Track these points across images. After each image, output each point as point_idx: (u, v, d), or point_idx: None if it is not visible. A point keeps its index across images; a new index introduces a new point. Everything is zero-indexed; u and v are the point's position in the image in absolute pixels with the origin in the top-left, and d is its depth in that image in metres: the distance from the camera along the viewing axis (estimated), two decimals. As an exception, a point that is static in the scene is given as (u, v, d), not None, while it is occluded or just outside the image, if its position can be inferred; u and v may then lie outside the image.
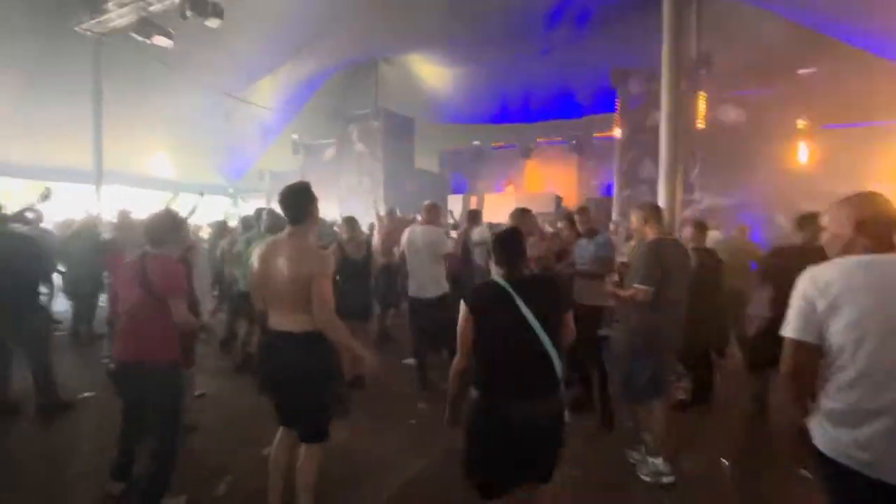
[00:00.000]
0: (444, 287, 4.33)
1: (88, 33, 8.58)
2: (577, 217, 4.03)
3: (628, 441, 3.16)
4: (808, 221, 3.38)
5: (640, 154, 10.28)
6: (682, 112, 5.35)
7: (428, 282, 4.30)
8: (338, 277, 3.70)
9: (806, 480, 2.58)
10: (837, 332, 1.39)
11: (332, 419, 2.36)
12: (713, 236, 4.99)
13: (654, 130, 5.87)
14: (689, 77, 9.19)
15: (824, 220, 1.64)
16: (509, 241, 1.89)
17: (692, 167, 9.80)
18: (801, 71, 9.30)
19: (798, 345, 1.47)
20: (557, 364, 1.75)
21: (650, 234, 2.93)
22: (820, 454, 1.47)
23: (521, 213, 3.72)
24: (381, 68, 15.10)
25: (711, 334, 3.98)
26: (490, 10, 10.87)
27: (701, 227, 4.19)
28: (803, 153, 9.29)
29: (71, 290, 5.66)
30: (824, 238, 1.64)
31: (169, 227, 2.57)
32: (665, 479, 2.83)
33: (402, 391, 4.32)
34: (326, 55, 13.28)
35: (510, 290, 1.76)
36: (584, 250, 3.78)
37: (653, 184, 6.75)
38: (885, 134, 8.72)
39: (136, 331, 2.44)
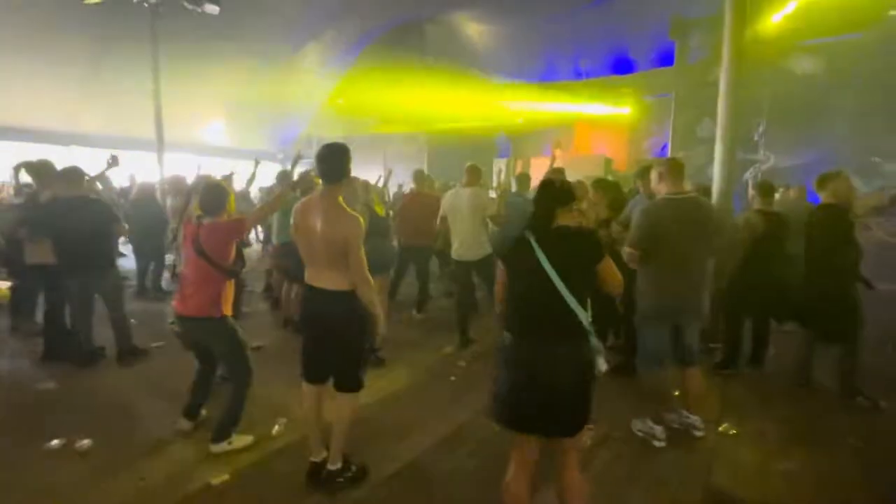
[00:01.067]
0: (487, 248, 4.36)
1: (145, 4, 8.88)
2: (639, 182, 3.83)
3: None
4: (828, 179, 3.40)
5: (699, 113, 9.62)
6: (743, 62, 4.88)
7: (472, 243, 4.35)
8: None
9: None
10: None
11: (365, 370, 2.51)
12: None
13: (715, 87, 5.43)
14: (756, 24, 8.40)
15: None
16: (537, 196, 1.97)
17: (757, 124, 9.09)
18: (893, 12, 8.24)
19: None
20: (580, 312, 1.78)
21: (663, 191, 2.82)
22: None
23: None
24: (425, 28, 14.76)
25: (768, 302, 3.80)
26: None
27: (764, 188, 3.96)
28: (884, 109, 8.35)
29: (136, 250, 6.34)
30: None
31: (219, 197, 2.74)
32: (657, 443, 2.87)
33: (442, 351, 4.43)
34: (371, 16, 13.14)
35: (532, 241, 1.81)
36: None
37: (711, 143, 6.31)
38: None
39: (191, 289, 2.70)
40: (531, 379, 1.79)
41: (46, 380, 3.67)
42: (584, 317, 1.78)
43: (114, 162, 4.26)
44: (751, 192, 4.09)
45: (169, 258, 6.64)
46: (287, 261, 4.77)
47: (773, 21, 8.64)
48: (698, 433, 2.93)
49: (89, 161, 5.99)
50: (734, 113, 4.94)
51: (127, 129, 11.97)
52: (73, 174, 3.89)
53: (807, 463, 2.74)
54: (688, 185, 3.05)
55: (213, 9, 8.28)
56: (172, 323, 2.88)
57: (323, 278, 2.34)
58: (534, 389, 1.78)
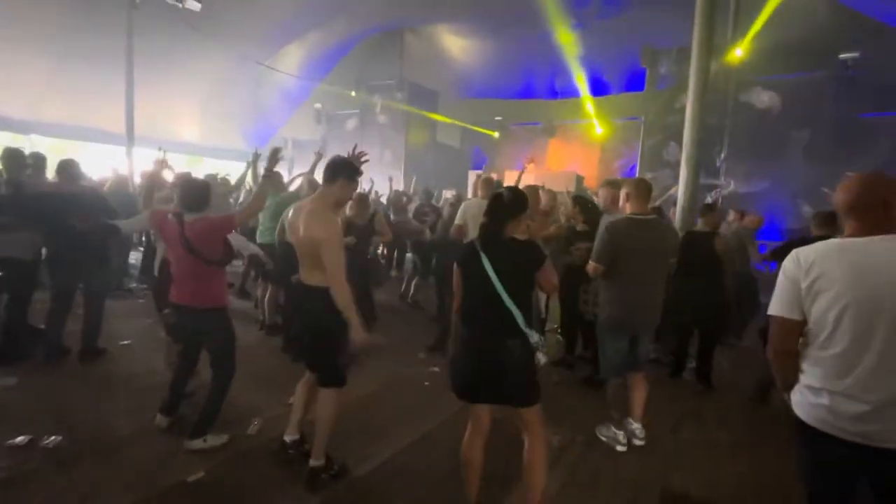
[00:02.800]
0: None
1: (123, -5, 8.71)
2: (600, 192, 3.93)
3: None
4: (707, 210, 4.29)
5: (666, 137, 10.12)
6: (707, 94, 5.24)
7: None
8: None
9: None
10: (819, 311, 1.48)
11: (346, 368, 2.58)
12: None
13: (682, 113, 5.80)
14: (720, 58, 8.95)
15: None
16: (488, 209, 2.16)
17: (719, 152, 9.63)
18: (842, 55, 8.94)
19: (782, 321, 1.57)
20: (517, 314, 2.02)
21: (627, 210, 3.02)
22: (799, 421, 1.58)
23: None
24: (406, 38, 14.94)
25: (699, 315, 4.11)
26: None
27: (704, 210, 4.41)
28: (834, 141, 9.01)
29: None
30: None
31: (202, 194, 2.78)
32: (619, 447, 3.05)
33: (416, 356, 4.51)
34: (354, 21, 13.21)
35: (478, 249, 2.08)
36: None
37: (677, 167, 6.69)
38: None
39: (187, 281, 2.73)
40: (480, 360, 2.10)
41: (5, 377, 3.54)
42: (520, 318, 2.02)
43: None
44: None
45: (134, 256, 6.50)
46: (268, 262, 4.79)
47: (736, 56, 9.23)
48: (638, 441, 3.09)
49: (50, 151, 5.81)
50: (698, 139, 5.30)
51: (94, 121, 11.59)
52: (72, 167, 3.82)
53: (755, 466, 2.96)
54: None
55: (194, 5, 8.20)
56: (167, 312, 2.89)
57: (309, 275, 2.46)
58: (481, 367, 2.09)
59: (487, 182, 4.62)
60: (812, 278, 1.47)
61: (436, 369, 4.21)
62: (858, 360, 1.43)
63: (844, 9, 9.82)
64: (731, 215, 5.96)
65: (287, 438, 2.70)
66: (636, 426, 3.12)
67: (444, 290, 4.66)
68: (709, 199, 6.65)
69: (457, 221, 4.63)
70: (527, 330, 2.03)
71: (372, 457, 2.81)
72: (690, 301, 3.99)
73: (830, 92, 9.03)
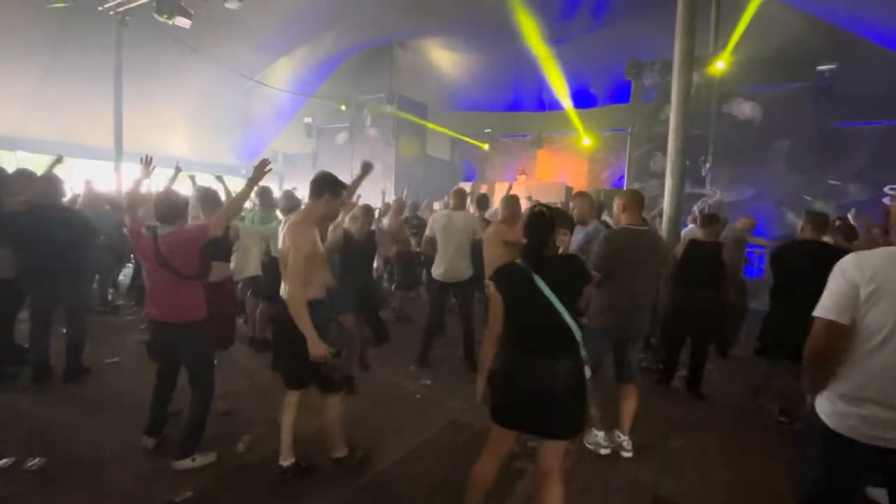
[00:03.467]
0: (470, 271, 4.52)
1: (111, 13, 8.72)
2: (571, 203, 4.01)
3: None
4: (709, 221, 4.31)
5: (652, 147, 10.29)
6: (689, 104, 5.35)
7: (460, 265, 4.45)
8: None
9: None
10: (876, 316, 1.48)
11: (339, 372, 2.62)
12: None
13: (667, 124, 5.91)
14: (702, 70, 9.17)
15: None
16: (529, 227, 2.04)
17: (704, 161, 9.80)
18: (820, 67, 9.18)
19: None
20: (575, 329, 1.96)
21: (623, 221, 3.08)
22: (824, 428, 1.59)
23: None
24: (395, 52, 15.09)
25: (698, 325, 4.11)
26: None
27: (703, 219, 4.42)
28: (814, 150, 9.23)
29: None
30: None
31: (174, 207, 2.73)
32: (602, 451, 3.09)
33: (408, 369, 4.50)
34: (343, 37, 13.31)
35: (527, 268, 1.97)
36: (573, 239, 3.82)
37: (663, 177, 6.79)
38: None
39: (161, 296, 2.70)
40: (537, 391, 1.95)
41: (-11, 396, 3.48)
42: (578, 333, 1.97)
43: (59, 159, 4.13)
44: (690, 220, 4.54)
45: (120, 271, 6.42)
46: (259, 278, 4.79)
47: (718, 68, 9.44)
48: (626, 454, 3.09)
49: (37, 167, 5.75)
50: (682, 150, 5.40)
51: (81, 137, 11.51)
52: (54, 183, 3.78)
53: (744, 473, 2.99)
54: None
55: (184, 22, 8.21)
56: (143, 328, 2.86)
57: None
58: (539, 399, 1.95)
59: (459, 193, 4.64)
60: (875, 286, 1.47)
61: (427, 382, 4.20)
62: None
63: (821, 22, 10.12)
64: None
65: (283, 464, 2.65)
66: (624, 439, 3.13)
67: (438, 306, 4.67)
68: (695, 210, 6.73)
69: (427, 234, 4.67)
70: (581, 342, 1.99)
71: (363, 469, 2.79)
72: (691, 311, 4.01)
73: (810, 102, 9.26)
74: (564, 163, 14.43)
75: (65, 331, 3.94)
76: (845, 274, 1.53)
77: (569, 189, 12.06)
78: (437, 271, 4.54)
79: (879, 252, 1.53)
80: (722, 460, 3.15)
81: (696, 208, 7.02)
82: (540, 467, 2.07)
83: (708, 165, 9.81)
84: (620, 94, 11.82)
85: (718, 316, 4.19)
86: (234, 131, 15.40)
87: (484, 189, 11.62)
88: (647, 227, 3.16)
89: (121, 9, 8.56)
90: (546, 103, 15.00)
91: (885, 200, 8.71)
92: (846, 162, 8.81)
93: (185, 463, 2.70)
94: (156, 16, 7.83)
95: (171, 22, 8.01)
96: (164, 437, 2.94)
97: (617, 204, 3.17)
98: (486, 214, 5.49)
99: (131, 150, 10.26)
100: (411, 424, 3.41)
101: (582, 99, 14.23)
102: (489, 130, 15.26)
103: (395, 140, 14.05)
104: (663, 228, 5.40)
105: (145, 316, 2.84)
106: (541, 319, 1.97)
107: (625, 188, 11.01)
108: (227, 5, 7.83)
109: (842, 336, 1.53)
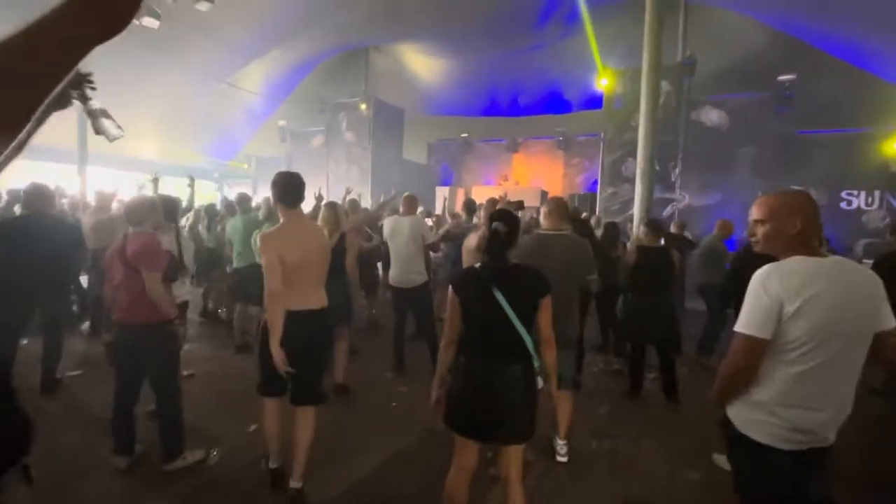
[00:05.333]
0: (425, 275, 4.50)
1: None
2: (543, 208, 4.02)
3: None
4: (654, 226, 4.32)
5: (624, 153, 10.52)
6: (658, 112, 5.51)
7: (412, 270, 4.44)
8: None
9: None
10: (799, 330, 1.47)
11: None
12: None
13: (637, 130, 6.08)
14: (670, 78, 9.45)
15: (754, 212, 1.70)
16: (489, 236, 2.08)
17: (674, 167, 10.08)
18: (781, 77, 9.59)
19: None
20: (527, 339, 1.98)
21: (543, 226, 3.09)
22: (748, 439, 1.60)
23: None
24: (371, 56, 15.05)
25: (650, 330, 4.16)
26: (482, 3, 10.94)
27: (649, 226, 4.44)
28: (778, 157, 9.62)
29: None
30: (763, 230, 1.64)
31: (145, 208, 2.76)
32: (560, 458, 3.11)
33: (384, 377, 4.48)
34: (317, 40, 13.21)
35: (486, 277, 2.01)
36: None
37: (635, 181, 6.99)
38: (862, 141, 9.11)
39: (128, 300, 2.65)
40: (487, 392, 1.98)
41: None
42: (529, 341, 2.00)
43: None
44: (641, 228, 4.63)
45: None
46: (247, 285, 4.71)
47: (682, 81, 9.75)
48: (561, 458, 3.11)
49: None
50: (651, 157, 5.55)
51: (42, 138, 11.08)
52: (44, 192, 3.68)
53: (713, 473, 3.07)
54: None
55: (152, 22, 8.01)
56: (105, 334, 2.81)
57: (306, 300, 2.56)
58: (489, 401, 1.98)
59: (409, 200, 4.65)
60: (801, 301, 1.44)
61: (403, 389, 4.19)
62: (823, 373, 1.48)
63: (782, 34, 10.58)
64: (673, 227, 6.20)
65: (274, 465, 2.70)
66: (561, 443, 3.15)
67: (399, 312, 4.64)
68: (665, 214, 6.94)
69: (383, 237, 4.68)
70: (533, 353, 2.01)
71: (338, 481, 2.76)
72: (641, 316, 4.12)
73: (771, 111, 9.64)
74: (540, 167, 14.61)
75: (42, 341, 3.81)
76: (769, 291, 1.48)
77: (544, 193, 12.24)
78: (391, 277, 4.56)
79: (796, 262, 1.51)
80: (691, 462, 3.22)
81: (665, 213, 7.23)
82: (500, 475, 2.11)
83: (678, 171, 10.09)
84: (595, 99, 12.05)
85: (670, 318, 4.19)
86: (205, 134, 15.06)
87: (461, 193, 11.70)
88: (565, 231, 3.10)
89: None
90: (522, 108, 15.19)
91: (843, 205, 9.14)
92: (807, 168, 9.20)
93: (178, 463, 2.72)
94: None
95: (137, 22, 7.78)
96: (138, 457, 2.83)
97: (542, 211, 3.18)
98: (474, 220, 5.49)
99: (97, 153, 9.97)
100: (387, 434, 3.39)
101: (557, 104, 14.48)
102: (465, 135, 15.36)
103: (371, 144, 13.99)
104: (632, 232, 5.54)
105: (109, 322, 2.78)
106: (494, 326, 2.00)
107: (598, 192, 11.23)
108: (197, 6, 7.67)
109: (764, 351, 1.52)
